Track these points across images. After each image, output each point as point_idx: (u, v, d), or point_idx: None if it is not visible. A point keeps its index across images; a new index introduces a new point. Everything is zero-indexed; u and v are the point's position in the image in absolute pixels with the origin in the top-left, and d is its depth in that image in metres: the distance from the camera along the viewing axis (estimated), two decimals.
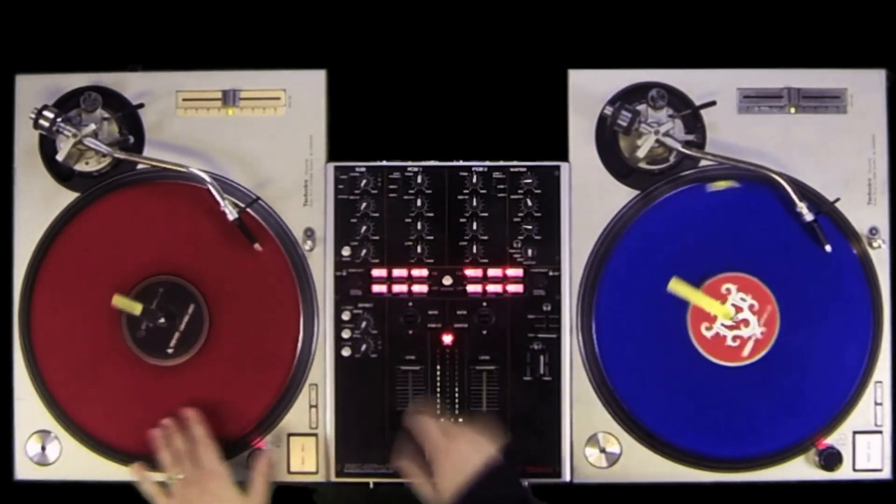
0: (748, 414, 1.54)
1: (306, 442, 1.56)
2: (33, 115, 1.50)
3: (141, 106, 1.57)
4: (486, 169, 1.57)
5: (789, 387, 1.54)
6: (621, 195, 1.58)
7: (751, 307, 1.54)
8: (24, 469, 1.56)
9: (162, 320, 1.54)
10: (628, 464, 1.54)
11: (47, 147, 1.57)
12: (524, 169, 1.57)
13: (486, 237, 1.56)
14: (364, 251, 1.56)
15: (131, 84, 1.59)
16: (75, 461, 1.56)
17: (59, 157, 1.52)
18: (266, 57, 1.64)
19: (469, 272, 1.56)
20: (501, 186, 1.57)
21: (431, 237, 1.56)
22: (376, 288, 1.56)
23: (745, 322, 1.54)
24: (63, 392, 1.55)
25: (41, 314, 1.56)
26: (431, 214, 1.56)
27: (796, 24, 1.71)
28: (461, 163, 1.57)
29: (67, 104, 1.57)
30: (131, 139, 1.57)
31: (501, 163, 1.57)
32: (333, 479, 1.55)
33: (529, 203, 1.56)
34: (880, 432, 1.55)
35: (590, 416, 1.55)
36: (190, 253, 1.55)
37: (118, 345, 1.55)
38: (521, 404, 1.55)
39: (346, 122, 1.63)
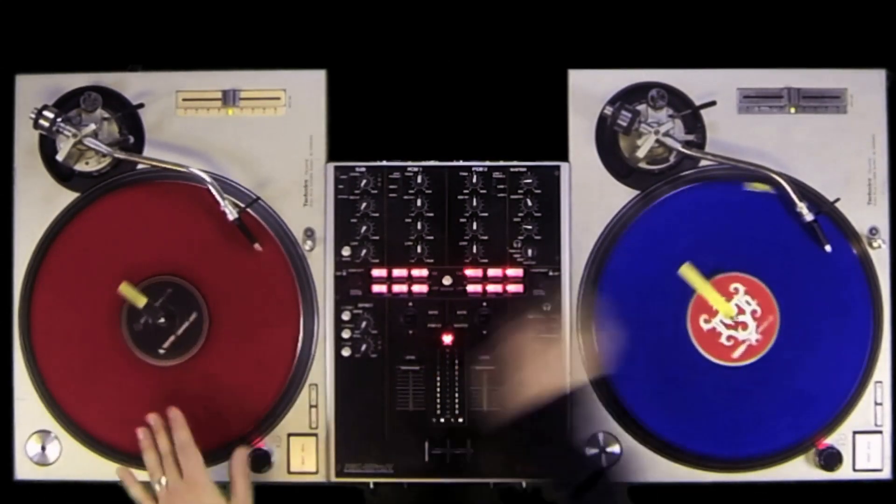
0: (748, 414, 1.54)
1: (306, 442, 1.56)
2: (33, 115, 1.50)
3: (141, 106, 1.57)
4: (486, 169, 1.57)
5: (790, 387, 1.54)
6: (621, 195, 1.58)
7: (753, 312, 1.54)
8: (24, 469, 1.56)
9: (162, 320, 1.54)
10: (627, 464, 1.54)
11: (47, 147, 1.57)
12: (524, 169, 1.57)
13: (486, 237, 1.56)
14: (364, 251, 1.56)
15: (131, 84, 1.59)
16: (75, 461, 1.56)
17: (59, 157, 1.52)
18: (266, 57, 1.64)
19: (469, 272, 1.56)
20: (501, 186, 1.56)
21: (431, 237, 1.56)
22: (376, 288, 1.56)
23: (744, 325, 1.54)
24: (63, 392, 1.55)
25: (41, 314, 1.56)
26: (431, 214, 1.56)
27: (796, 24, 1.71)
28: (461, 163, 1.57)
29: (67, 104, 1.57)
30: (131, 139, 1.57)
31: (501, 163, 1.57)
32: (333, 479, 1.55)
33: (529, 203, 1.56)
34: (880, 432, 1.55)
35: (589, 416, 1.55)
36: (190, 253, 1.55)
37: (118, 345, 1.55)
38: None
39: (346, 122, 1.63)
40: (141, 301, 1.53)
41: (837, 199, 1.55)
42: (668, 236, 1.56)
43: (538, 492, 1.52)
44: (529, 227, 1.56)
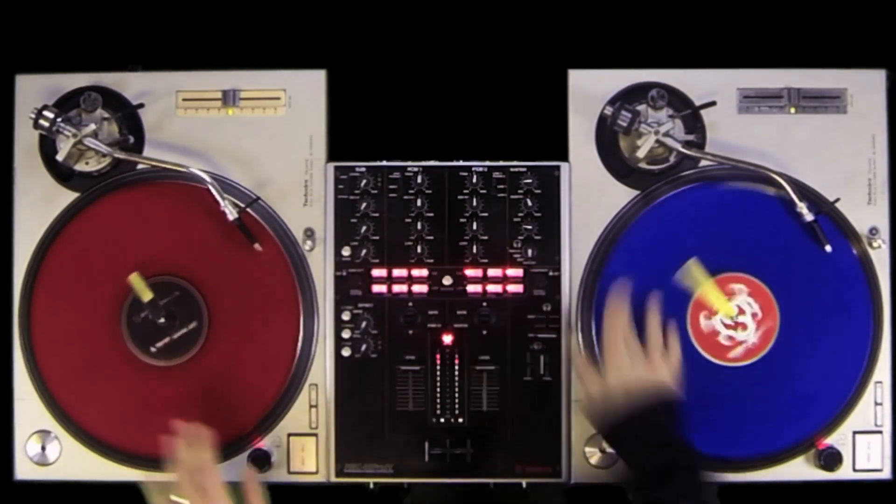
0: (748, 414, 1.54)
1: (306, 442, 1.56)
2: (33, 115, 1.50)
3: (141, 106, 1.57)
4: (486, 169, 1.57)
5: (790, 387, 1.54)
6: (621, 195, 1.58)
7: (754, 315, 1.54)
8: (24, 469, 1.56)
9: (162, 320, 1.54)
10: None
11: (47, 147, 1.57)
12: (524, 169, 1.57)
13: (486, 237, 1.56)
14: (364, 251, 1.56)
15: (131, 84, 1.59)
16: (75, 461, 1.56)
17: (59, 157, 1.52)
18: (266, 57, 1.64)
19: (469, 272, 1.56)
20: (501, 186, 1.57)
21: (431, 237, 1.56)
22: (376, 288, 1.56)
23: (744, 325, 1.54)
24: (63, 392, 1.55)
25: (41, 314, 1.56)
26: (431, 214, 1.56)
27: (796, 24, 1.71)
28: (461, 163, 1.57)
29: (67, 104, 1.57)
30: (131, 139, 1.57)
31: (501, 163, 1.57)
32: (333, 479, 1.55)
33: (529, 203, 1.56)
34: (880, 432, 1.55)
35: None
36: (190, 253, 1.55)
37: (118, 345, 1.55)
38: (521, 404, 1.55)
39: (346, 122, 1.63)
40: (147, 295, 1.53)
41: (837, 199, 1.55)
42: (668, 236, 1.56)
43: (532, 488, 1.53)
44: (529, 227, 1.56)
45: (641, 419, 1.39)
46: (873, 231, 1.56)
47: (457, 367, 1.55)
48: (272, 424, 1.56)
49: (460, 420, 1.55)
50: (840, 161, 1.57)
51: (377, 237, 1.56)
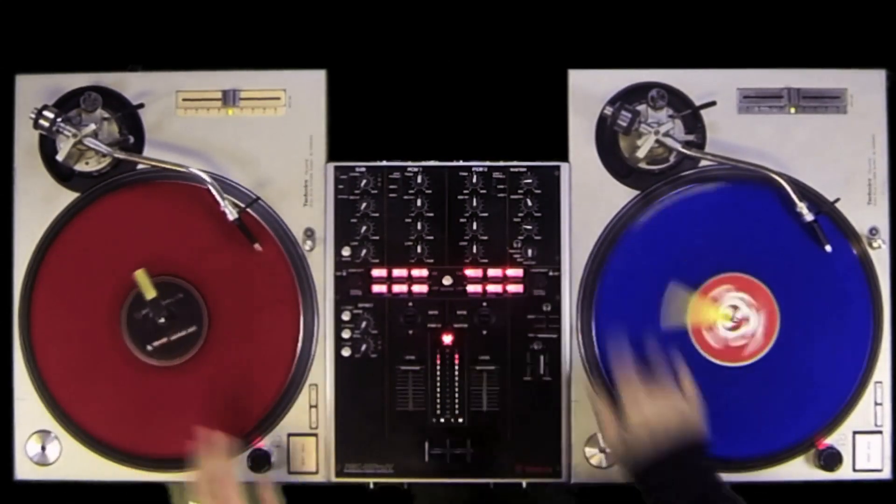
0: (748, 414, 1.54)
1: (306, 442, 1.56)
2: (33, 115, 1.50)
3: (141, 106, 1.57)
4: (486, 169, 1.57)
5: (789, 387, 1.54)
6: (621, 195, 1.58)
7: (749, 304, 1.54)
8: (24, 469, 1.56)
9: (162, 320, 1.54)
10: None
11: (47, 147, 1.57)
12: (524, 169, 1.57)
13: (486, 237, 1.56)
14: (364, 251, 1.56)
15: (131, 84, 1.59)
16: (75, 461, 1.56)
17: (59, 157, 1.52)
18: (266, 57, 1.64)
19: (469, 272, 1.56)
20: (501, 186, 1.57)
21: (431, 237, 1.56)
22: (376, 288, 1.56)
23: (746, 320, 1.54)
24: (63, 392, 1.55)
25: (41, 314, 1.56)
26: (431, 214, 1.56)
27: (796, 24, 1.71)
28: (461, 163, 1.57)
29: (67, 104, 1.57)
30: (131, 139, 1.57)
31: (501, 163, 1.57)
32: (333, 479, 1.55)
33: (529, 203, 1.56)
34: (880, 432, 1.55)
35: (590, 416, 1.55)
36: (190, 253, 1.55)
37: (118, 345, 1.55)
38: (521, 404, 1.55)
39: (346, 122, 1.63)
40: (150, 293, 1.53)
41: (837, 199, 1.55)
42: (668, 236, 1.56)
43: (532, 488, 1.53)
44: (529, 227, 1.56)
45: (670, 461, 1.37)
46: (873, 231, 1.56)
47: (457, 367, 1.55)
48: (272, 424, 1.56)
49: (460, 420, 1.55)
50: (840, 161, 1.57)
51: (377, 237, 1.56)
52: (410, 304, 1.56)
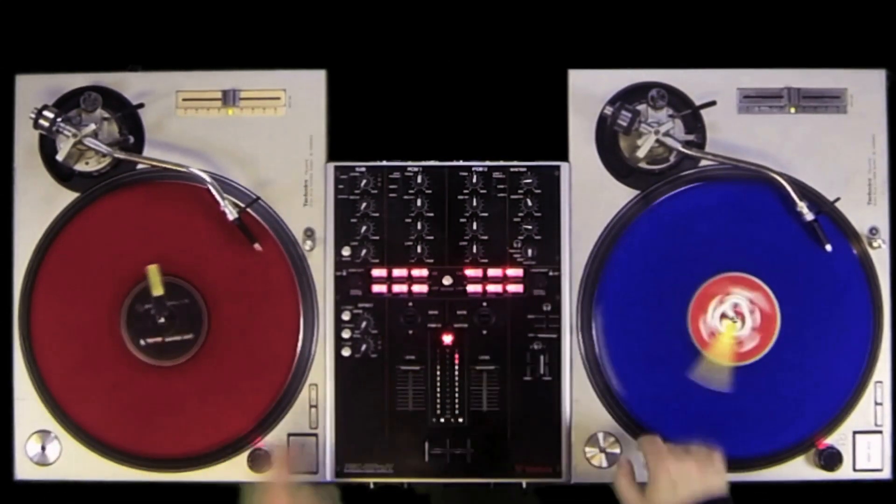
0: (748, 414, 1.54)
1: (306, 442, 1.56)
2: (33, 115, 1.50)
3: (141, 106, 1.57)
4: (486, 169, 1.57)
5: (789, 387, 1.54)
6: (621, 195, 1.58)
7: (750, 305, 1.54)
8: (24, 469, 1.56)
9: (162, 320, 1.54)
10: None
11: (47, 147, 1.57)
12: (524, 169, 1.57)
13: (486, 237, 1.56)
14: (364, 251, 1.56)
15: (131, 84, 1.59)
16: (75, 461, 1.56)
17: (59, 157, 1.52)
18: (266, 57, 1.64)
19: (469, 272, 1.56)
20: (501, 186, 1.57)
21: (431, 237, 1.56)
22: (376, 288, 1.56)
23: (744, 319, 1.54)
24: (63, 392, 1.55)
25: (41, 314, 1.56)
26: (431, 214, 1.56)
27: (796, 24, 1.71)
28: (461, 163, 1.57)
29: (67, 104, 1.57)
30: (131, 139, 1.57)
31: (501, 163, 1.57)
32: (333, 479, 1.55)
33: (529, 203, 1.56)
34: (880, 432, 1.55)
35: (590, 416, 1.55)
36: (190, 253, 1.55)
37: (118, 345, 1.55)
38: (521, 404, 1.55)
39: (346, 122, 1.63)
40: (158, 290, 1.53)
41: (837, 199, 1.55)
42: (668, 236, 1.56)
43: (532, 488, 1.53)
44: (529, 227, 1.56)
45: None
46: (873, 231, 1.56)
47: (457, 367, 1.55)
48: (272, 424, 1.56)
49: (460, 420, 1.55)
50: (840, 161, 1.57)
51: (377, 237, 1.56)
52: (410, 304, 1.56)
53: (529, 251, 1.56)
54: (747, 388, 1.54)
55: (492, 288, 1.56)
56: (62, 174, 1.58)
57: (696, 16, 1.72)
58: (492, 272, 1.56)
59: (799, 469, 1.55)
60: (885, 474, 1.55)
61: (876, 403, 1.55)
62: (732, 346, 1.53)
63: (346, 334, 1.56)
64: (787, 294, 1.54)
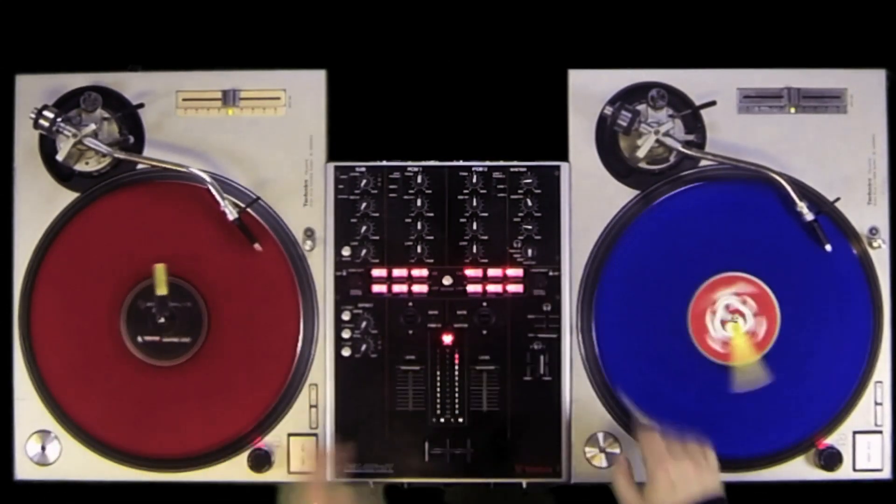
0: (748, 414, 1.54)
1: (306, 442, 1.56)
2: (33, 115, 1.50)
3: (141, 106, 1.57)
4: (486, 169, 1.57)
5: (790, 386, 1.54)
6: (621, 195, 1.58)
7: (739, 297, 1.54)
8: (24, 469, 1.56)
9: (162, 320, 1.54)
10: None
11: (47, 147, 1.57)
12: (524, 169, 1.57)
13: (486, 237, 1.56)
14: (364, 251, 1.56)
15: (131, 84, 1.59)
16: (75, 461, 1.56)
17: (59, 157, 1.52)
18: (266, 57, 1.64)
19: (469, 272, 1.56)
20: (501, 186, 1.57)
21: (431, 237, 1.56)
22: (376, 288, 1.56)
23: (742, 313, 1.54)
24: (63, 392, 1.55)
25: (41, 314, 1.56)
26: (431, 214, 1.56)
27: (796, 24, 1.71)
28: (461, 163, 1.57)
29: (67, 104, 1.57)
30: (131, 139, 1.57)
31: (501, 163, 1.57)
32: (333, 479, 1.55)
33: (529, 203, 1.56)
34: (880, 432, 1.55)
35: (590, 416, 1.55)
36: (190, 253, 1.55)
37: (118, 345, 1.55)
38: (521, 404, 1.55)
39: (346, 122, 1.63)
40: (162, 290, 1.53)
41: (837, 199, 1.55)
42: (668, 236, 1.56)
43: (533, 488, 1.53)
44: (529, 227, 1.56)
45: None
46: (873, 231, 1.56)
47: (457, 367, 1.55)
48: (272, 424, 1.56)
49: (460, 420, 1.55)
50: (840, 161, 1.57)
51: (377, 237, 1.56)
52: (410, 304, 1.56)
53: (529, 251, 1.56)
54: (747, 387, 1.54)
55: (492, 288, 1.56)
56: (62, 174, 1.58)
57: (696, 16, 1.72)
58: (492, 272, 1.56)
59: (799, 469, 1.55)
60: (885, 474, 1.55)
61: (876, 403, 1.55)
62: (748, 342, 1.53)
63: (346, 334, 1.56)
64: (787, 294, 1.54)
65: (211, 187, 1.52)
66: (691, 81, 1.58)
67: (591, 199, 1.58)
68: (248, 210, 1.54)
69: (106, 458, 1.55)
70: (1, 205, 1.59)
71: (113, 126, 1.57)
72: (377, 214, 1.56)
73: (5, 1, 1.71)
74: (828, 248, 1.54)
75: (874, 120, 1.58)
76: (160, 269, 1.52)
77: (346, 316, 1.56)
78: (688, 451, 1.42)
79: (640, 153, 1.53)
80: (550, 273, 1.56)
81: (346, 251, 1.56)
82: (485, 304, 1.55)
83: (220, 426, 1.54)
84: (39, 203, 1.58)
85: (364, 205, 1.56)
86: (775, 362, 1.54)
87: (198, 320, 1.54)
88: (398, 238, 1.56)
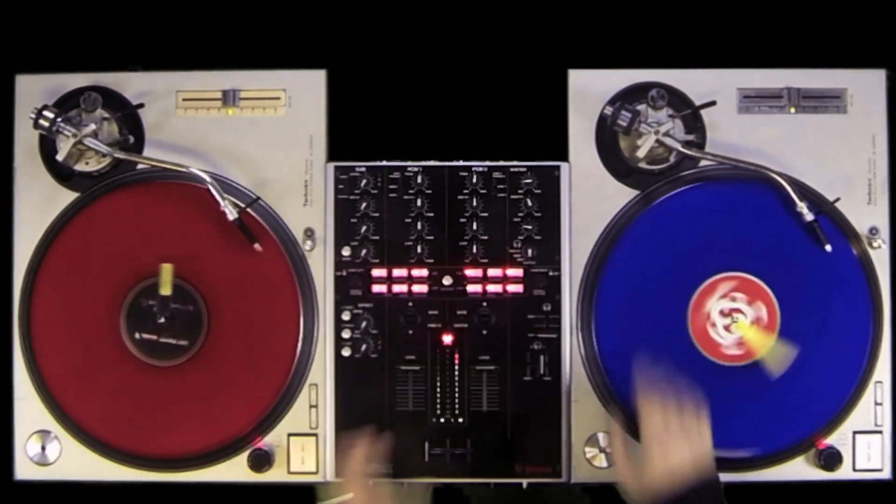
0: (748, 414, 1.54)
1: (306, 442, 1.56)
2: (33, 115, 1.50)
3: (141, 106, 1.57)
4: (486, 169, 1.57)
5: (789, 387, 1.54)
6: (621, 195, 1.58)
7: (729, 294, 1.54)
8: (24, 469, 1.56)
9: (162, 319, 1.54)
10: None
11: (47, 147, 1.57)
12: (524, 169, 1.57)
13: (486, 237, 1.56)
14: (364, 251, 1.56)
15: (131, 84, 1.59)
16: (75, 461, 1.56)
17: (59, 157, 1.52)
18: (266, 57, 1.64)
19: (469, 272, 1.56)
20: (501, 186, 1.57)
21: (431, 237, 1.56)
22: (376, 288, 1.56)
23: (739, 310, 1.54)
24: (63, 392, 1.55)
25: (41, 314, 1.56)
26: (431, 214, 1.56)
27: (796, 24, 1.71)
28: (461, 163, 1.57)
29: (67, 104, 1.57)
30: (131, 139, 1.57)
31: (501, 163, 1.57)
32: (333, 479, 1.55)
33: (529, 203, 1.56)
34: (880, 432, 1.55)
35: (590, 416, 1.55)
36: (190, 253, 1.55)
37: (118, 345, 1.55)
38: (521, 404, 1.55)
39: (346, 122, 1.63)
40: (166, 290, 1.53)
41: (837, 199, 1.55)
42: (668, 236, 1.56)
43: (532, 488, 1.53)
44: (529, 227, 1.56)
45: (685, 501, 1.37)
46: (873, 231, 1.56)
47: (457, 367, 1.55)
48: (272, 424, 1.56)
49: (460, 420, 1.55)
50: (840, 161, 1.57)
51: (377, 237, 1.56)
52: (410, 304, 1.56)
53: (529, 251, 1.56)
54: (747, 387, 1.54)
55: (492, 288, 1.56)
56: (62, 174, 1.58)
57: (696, 16, 1.72)
58: (492, 272, 1.56)
59: (799, 469, 1.55)
60: (885, 474, 1.55)
61: (876, 403, 1.55)
62: (759, 331, 1.53)
63: (346, 334, 1.56)
64: (787, 294, 1.54)
65: (211, 187, 1.52)
66: (691, 81, 1.58)
67: (591, 199, 1.58)
68: (248, 210, 1.54)
69: (106, 458, 1.55)
70: (1, 205, 1.59)
71: (113, 126, 1.57)
72: (377, 214, 1.56)
73: (5, 1, 1.71)
74: (828, 248, 1.54)
75: (874, 120, 1.58)
76: (167, 269, 1.52)
77: (346, 316, 1.56)
78: (685, 429, 1.42)
79: (640, 153, 1.53)
80: (550, 273, 1.56)
81: (346, 251, 1.56)
82: (485, 304, 1.55)
83: (220, 426, 1.54)
84: (39, 203, 1.58)
85: (364, 205, 1.56)
86: None
87: (197, 324, 1.54)
88: (398, 238, 1.56)
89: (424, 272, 1.56)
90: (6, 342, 1.57)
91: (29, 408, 1.56)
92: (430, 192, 1.56)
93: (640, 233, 1.56)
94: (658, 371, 1.46)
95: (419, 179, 1.56)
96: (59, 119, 1.50)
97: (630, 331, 1.55)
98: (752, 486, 1.55)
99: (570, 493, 1.62)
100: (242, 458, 1.55)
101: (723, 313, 1.54)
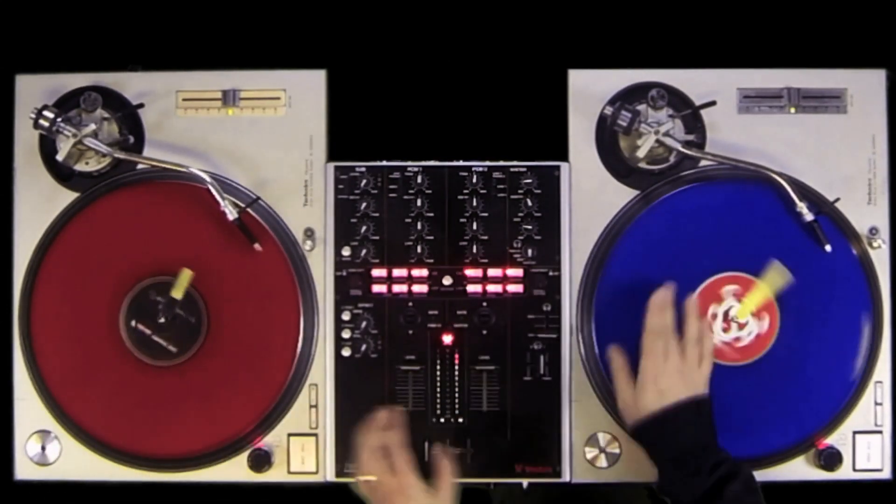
0: (748, 414, 1.54)
1: (306, 442, 1.56)
2: (33, 115, 1.50)
3: (141, 106, 1.57)
4: (486, 169, 1.57)
5: (789, 387, 1.54)
6: (621, 195, 1.58)
7: (725, 291, 1.54)
8: (24, 469, 1.56)
9: (163, 319, 1.54)
10: (628, 464, 1.54)
11: (47, 147, 1.57)
12: (524, 169, 1.57)
13: (486, 237, 1.56)
14: (364, 251, 1.56)
15: (131, 84, 1.59)
16: (75, 461, 1.56)
17: (59, 157, 1.52)
18: (266, 57, 1.64)
19: (469, 272, 1.56)
20: (501, 186, 1.57)
21: (431, 237, 1.56)
22: (376, 288, 1.56)
23: (742, 325, 1.54)
24: (63, 392, 1.55)
25: (41, 314, 1.56)
26: (431, 214, 1.56)
27: (796, 24, 1.71)
28: (461, 163, 1.57)
29: (67, 104, 1.57)
30: (131, 139, 1.57)
31: (501, 163, 1.57)
32: (333, 479, 1.55)
33: (529, 203, 1.56)
34: (880, 432, 1.55)
35: (590, 416, 1.55)
36: (190, 253, 1.55)
37: (118, 345, 1.55)
38: (521, 404, 1.55)
39: (346, 122, 1.63)
40: (178, 294, 1.53)
41: (837, 199, 1.55)
42: (668, 236, 1.56)
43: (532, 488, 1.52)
44: (529, 227, 1.56)
45: (669, 419, 1.41)
46: (873, 231, 1.56)
47: (457, 367, 1.55)
48: (272, 424, 1.56)
49: (460, 420, 1.55)
50: (840, 161, 1.57)
51: (377, 237, 1.56)
52: (410, 304, 1.56)
53: (529, 251, 1.56)
54: (747, 387, 1.54)
55: (492, 288, 1.56)
56: (62, 174, 1.58)
57: (696, 16, 1.72)
58: (492, 272, 1.56)
59: (799, 469, 1.55)
60: (885, 474, 1.55)
61: (876, 403, 1.55)
62: (753, 295, 1.53)
63: (346, 334, 1.56)
64: (787, 294, 1.54)
65: (211, 187, 1.52)
66: (691, 81, 1.58)
67: (591, 199, 1.58)
68: (248, 210, 1.54)
69: (106, 458, 1.55)
70: (1, 205, 1.59)
71: (113, 126, 1.57)
72: (377, 214, 1.56)
73: (5, 1, 1.72)
74: (828, 248, 1.54)
75: (874, 120, 1.58)
76: (186, 275, 1.52)
77: (346, 316, 1.56)
78: (685, 357, 1.44)
79: (640, 153, 1.53)
80: (550, 273, 1.56)
81: (346, 251, 1.56)
82: (485, 304, 1.56)
83: (220, 426, 1.54)
84: (39, 203, 1.58)
85: (364, 205, 1.56)
86: (775, 362, 1.54)
87: (193, 337, 1.54)
88: (398, 238, 1.56)
89: (424, 272, 1.56)
90: (6, 342, 1.57)
91: (29, 408, 1.56)
92: (430, 192, 1.56)
93: (640, 233, 1.56)
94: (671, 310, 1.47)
95: (419, 179, 1.56)
96: (59, 119, 1.50)
97: (630, 331, 1.55)
98: None
99: (629, 491, 1.63)
100: (242, 458, 1.55)
101: (727, 317, 1.54)
